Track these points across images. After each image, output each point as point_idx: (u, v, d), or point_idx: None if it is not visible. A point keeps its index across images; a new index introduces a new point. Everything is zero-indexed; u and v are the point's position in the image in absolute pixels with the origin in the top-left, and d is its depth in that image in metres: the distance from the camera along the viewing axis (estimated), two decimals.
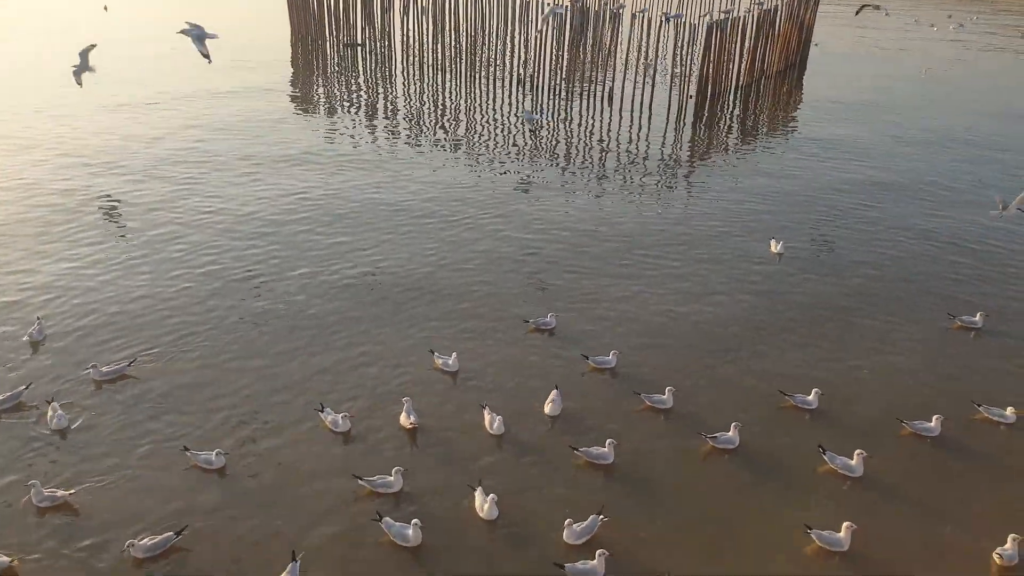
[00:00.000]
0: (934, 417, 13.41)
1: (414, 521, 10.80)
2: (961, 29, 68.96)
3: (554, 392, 13.79)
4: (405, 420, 13.20)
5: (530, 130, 32.08)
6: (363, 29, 48.21)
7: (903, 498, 12.05)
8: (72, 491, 11.40)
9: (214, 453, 12.09)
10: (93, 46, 22.93)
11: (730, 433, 12.95)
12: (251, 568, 10.37)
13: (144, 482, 11.79)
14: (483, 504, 11.27)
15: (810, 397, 14.04)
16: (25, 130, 28.80)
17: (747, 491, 12.11)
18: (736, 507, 11.75)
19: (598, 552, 10.35)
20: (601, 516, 11.11)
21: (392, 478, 11.64)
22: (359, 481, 11.60)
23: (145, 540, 10.44)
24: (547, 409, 13.63)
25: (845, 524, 10.66)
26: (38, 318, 15.52)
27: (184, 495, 11.58)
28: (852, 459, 12.45)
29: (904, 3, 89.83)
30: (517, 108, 35.76)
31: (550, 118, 33.86)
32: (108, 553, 10.54)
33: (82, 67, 23.02)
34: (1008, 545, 10.91)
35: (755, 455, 12.85)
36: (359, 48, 47.46)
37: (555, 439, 13.08)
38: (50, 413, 12.76)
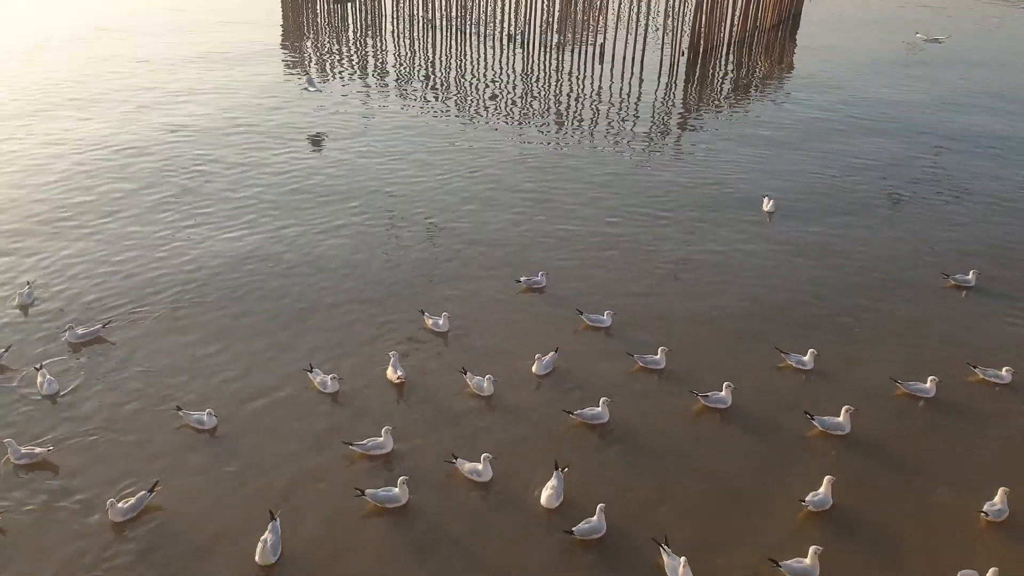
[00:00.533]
0: (928, 378, 13.50)
1: (401, 478, 10.95)
2: None
3: (551, 354, 13.86)
4: (392, 374, 13.42)
5: (522, 88, 31.87)
6: None
7: (895, 458, 12.30)
8: (50, 448, 11.51)
9: (205, 413, 12.21)
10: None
11: (722, 393, 13.09)
12: (234, 527, 10.49)
13: (128, 442, 11.91)
14: (476, 467, 11.30)
15: (806, 358, 14.16)
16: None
17: (741, 451, 12.29)
18: (729, 467, 11.94)
19: (599, 506, 10.59)
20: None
21: (382, 438, 11.72)
22: (350, 447, 11.64)
23: (120, 503, 10.43)
24: (535, 369, 13.79)
25: (812, 548, 10.04)
26: (28, 283, 15.56)
27: (170, 455, 11.73)
28: (840, 416, 12.59)
29: None
30: (508, 64, 35.45)
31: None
32: (92, 511, 10.63)
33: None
34: (996, 499, 11.09)
35: (749, 415, 13.00)
36: (349, 4, 46.69)
37: (545, 398, 13.28)
38: (40, 379, 12.77)
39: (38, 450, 11.46)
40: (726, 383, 13.18)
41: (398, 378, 13.35)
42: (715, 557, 10.41)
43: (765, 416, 13.04)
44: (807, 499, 11.09)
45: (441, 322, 14.90)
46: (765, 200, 20.75)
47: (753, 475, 11.82)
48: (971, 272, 17.27)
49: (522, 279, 16.52)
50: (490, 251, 18.08)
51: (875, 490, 11.62)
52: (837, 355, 14.56)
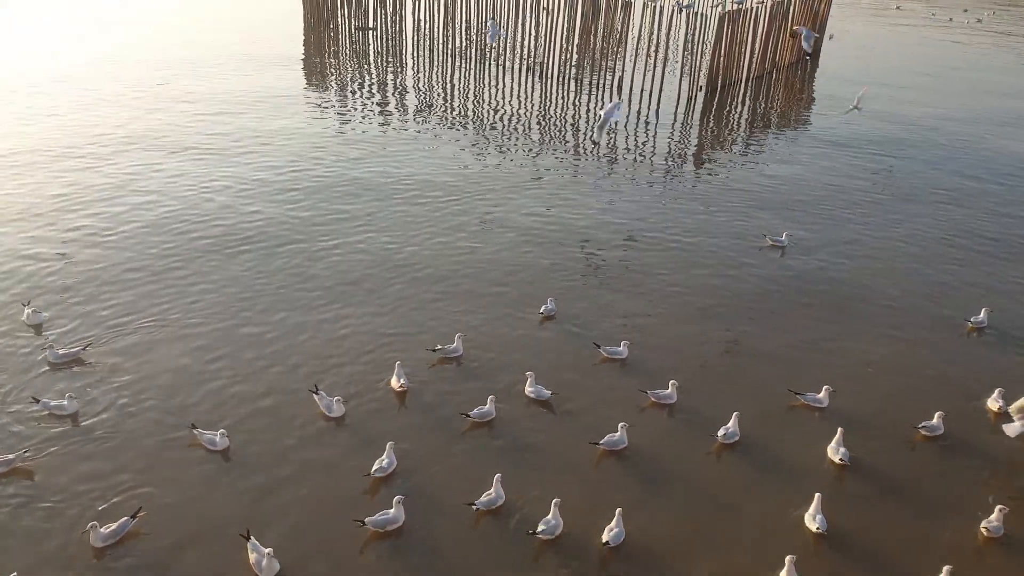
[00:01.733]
0: (936, 415, 13.39)
1: (397, 498, 10.82)
2: (978, 24, 68.27)
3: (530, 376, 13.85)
4: (395, 383, 13.52)
5: (538, 115, 32.13)
6: (375, 13, 48.20)
7: (903, 490, 12.15)
8: (27, 452, 11.54)
9: (219, 433, 12.07)
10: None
11: (730, 425, 12.94)
12: (215, 551, 10.39)
13: (111, 455, 11.86)
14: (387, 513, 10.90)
15: (820, 395, 13.99)
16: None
17: (753, 487, 12.13)
18: (741, 499, 11.86)
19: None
20: None
21: (393, 511, 10.86)
22: (362, 524, 10.73)
23: (102, 528, 10.30)
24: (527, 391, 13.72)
25: (788, 557, 10.19)
26: (24, 304, 15.42)
27: (156, 472, 11.63)
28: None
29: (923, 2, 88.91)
30: (527, 96, 35.78)
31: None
32: (69, 529, 10.57)
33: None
34: (994, 516, 11.21)
35: (759, 448, 12.88)
36: (371, 32, 47.45)
37: (553, 425, 13.25)
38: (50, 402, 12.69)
39: (10, 456, 11.42)
40: (735, 413, 13.03)
41: (401, 386, 13.45)
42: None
43: (777, 449, 12.88)
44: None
45: (455, 344, 14.84)
46: (783, 235, 20.69)
47: (761, 507, 11.65)
48: (983, 311, 17.08)
49: (542, 310, 16.38)
50: (503, 278, 18.09)
51: (879, 518, 11.50)
52: (848, 390, 14.37)
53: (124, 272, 17.28)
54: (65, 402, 12.49)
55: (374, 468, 11.63)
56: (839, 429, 12.79)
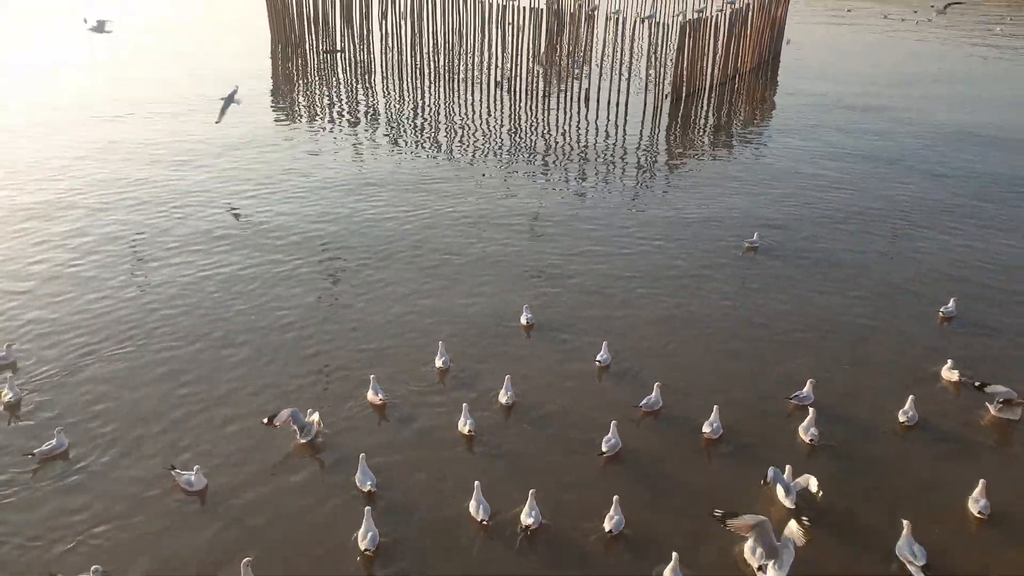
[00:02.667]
0: (909, 400, 13.87)
1: (367, 508, 10.98)
2: (929, 23, 70.22)
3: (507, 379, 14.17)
4: (373, 397, 13.79)
5: (505, 130, 32.72)
6: (342, 35, 48.62)
7: (889, 476, 12.65)
8: None
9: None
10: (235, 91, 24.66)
11: (712, 419, 13.41)
12: None
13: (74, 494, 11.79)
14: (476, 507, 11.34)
15: (806, 390, 14.34)
16: None
17: (736, 471, 12.68)
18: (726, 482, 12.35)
19: (612, 423, 12.41)
20: None
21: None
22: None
23: None
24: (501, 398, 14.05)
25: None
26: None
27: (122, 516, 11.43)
28: (804, 389, 14.24)
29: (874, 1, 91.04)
30: (496, 109, 36.36)
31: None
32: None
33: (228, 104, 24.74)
34: (976, 491, 11.85)
35: (741, 438, 13.43)
36: (339, 54, 47.84)
37: (524, 432, 13.63)
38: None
39: None
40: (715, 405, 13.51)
41: (380, 400, 13.74)
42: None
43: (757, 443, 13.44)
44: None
45: (440, 362, 15.13)
46: (755, 235, 21.42)
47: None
48: (951, 300, 17.81)
49: (524, 318, 16.77)
50: (476, 291, 18.51)
51: (866, 504, 11.96)
52: (827, 387, 14.80)
53: (87, 303, 17.32)
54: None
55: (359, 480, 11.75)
56: (811, 410, 13.47)
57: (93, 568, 9.86)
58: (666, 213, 23.88)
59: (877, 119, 36.29)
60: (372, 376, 14.08)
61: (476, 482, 11.50)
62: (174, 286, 18.19)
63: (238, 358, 15.41)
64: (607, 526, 11.17)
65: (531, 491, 11.38)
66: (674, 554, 10.46)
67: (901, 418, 13.88)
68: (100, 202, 23.17)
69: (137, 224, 21.68)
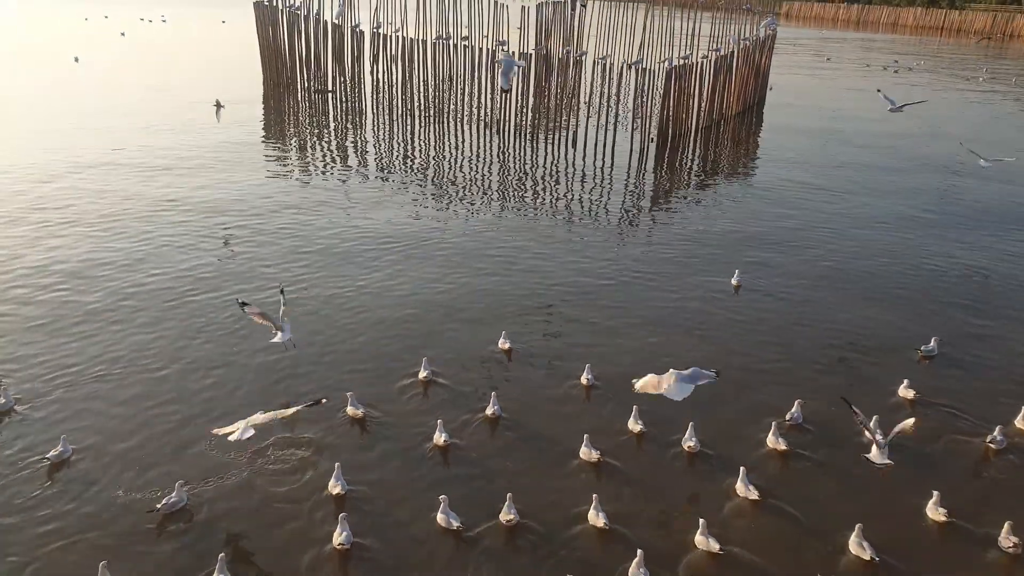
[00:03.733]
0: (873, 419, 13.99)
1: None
2: (910, 72, 72.00)
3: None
4: (354, 411, 14.20)
5: (494, 172, 33.10)
6: (334, 76, 49.25)
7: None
8: None
9: (176, 487, 11.68)
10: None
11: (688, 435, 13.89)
12: None
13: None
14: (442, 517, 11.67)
15: (794, 410, 14.86)
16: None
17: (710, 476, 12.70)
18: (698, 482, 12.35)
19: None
20: None
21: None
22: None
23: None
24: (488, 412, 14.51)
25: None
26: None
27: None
28: (793, 408, 14.78)
29: (858, 49, 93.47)
30: (485, 150, 36.80)
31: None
32: None
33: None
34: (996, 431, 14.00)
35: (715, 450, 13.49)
36: (330, 94, 48.43)
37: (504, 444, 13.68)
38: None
39: None
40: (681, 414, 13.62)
41: (360, 414, 14.17)
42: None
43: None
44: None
45: (423, 374, 15.64)
46: (736, 274, 21.65)
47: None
48: (932, 340, 17.91)
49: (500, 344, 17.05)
50: (458, 327, 18.57)
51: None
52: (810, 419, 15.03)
53: (67, 325, 17.44)
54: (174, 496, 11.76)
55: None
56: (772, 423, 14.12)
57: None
58: (651, 249, 24.21)
59: (860, 161, 36.98)
60: (349, 393, 14.45)
61: (442, 496, 11.78)
62: (150, 311, 18.18)
63: (211, 381, 15.55)
64: (600, 522, 11.68)
65: (508, 494, 11.82)
66: (639, 551, 10.80)
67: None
68: (81, 229, 23.20)
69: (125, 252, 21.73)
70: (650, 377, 12.97)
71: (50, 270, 20.59)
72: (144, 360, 16.21)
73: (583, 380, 15.79)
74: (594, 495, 11.94)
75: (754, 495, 12.48)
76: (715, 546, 11.27)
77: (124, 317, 18.19)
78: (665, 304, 20.18)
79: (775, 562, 11.41)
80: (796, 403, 14.95)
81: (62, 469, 12.72)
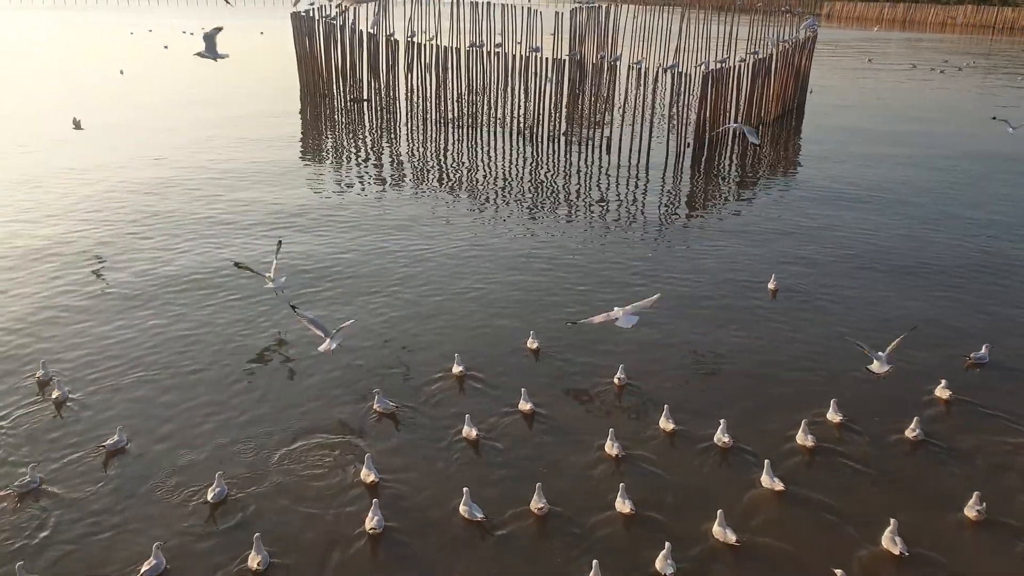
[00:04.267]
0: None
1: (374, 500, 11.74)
2: (959, 72, 70.07)
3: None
4: (381, 408, 14.44)
5: (530, 177, 32.84)
6: (369, 85, 49.56)
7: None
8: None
9: (216, 478, 12.22)
10: (219, 28, 25.12)
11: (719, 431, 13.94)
12: None
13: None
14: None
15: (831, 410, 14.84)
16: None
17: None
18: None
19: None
20: None
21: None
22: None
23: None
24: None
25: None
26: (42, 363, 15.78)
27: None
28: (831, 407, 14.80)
29: (903, 49, 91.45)
30: (517, 157, 36.60)
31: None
32: None
33: (210, 49, 25.16)
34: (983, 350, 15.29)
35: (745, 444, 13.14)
36: (365, 103, 48.72)
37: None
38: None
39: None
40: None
41: (391, 408, 14.44)
42: None
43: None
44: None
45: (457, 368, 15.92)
46: (772, 277, 21.19)
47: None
48: (984, 347, 17.21)
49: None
50: (491, 335, 18.32)
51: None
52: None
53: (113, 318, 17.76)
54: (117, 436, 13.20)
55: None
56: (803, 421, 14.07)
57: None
58: (687, 252, 23.87)
59: (903, 165, 35.95)
60: (377, 391, 14.71)
61: (465, 488, 12.04)
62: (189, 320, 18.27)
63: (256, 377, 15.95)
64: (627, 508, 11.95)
65: (538, 484, 12.04)
66: (667, 544, 10.90)
67: (908, 434, 14.23)
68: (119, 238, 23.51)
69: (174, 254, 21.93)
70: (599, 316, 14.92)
71: (103, 264, 21.03)
72: (192, 355, 16.77)
73: (616, 380, 15.83)
74: (621, 484, 12.21)
75: (779, 487, 12.53)
76: (732, 537, 11.40)
77: (173, 314, 18.72)
78: (701, 305, 20.04)
79: (800, 554, 11.39)
80: (832, 402, 14.90)
81: (118, 456, 13.31)
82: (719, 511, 11.66)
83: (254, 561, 10.54)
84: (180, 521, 11.86)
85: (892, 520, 11.50)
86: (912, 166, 36.27)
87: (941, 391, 15.63)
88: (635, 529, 11.83)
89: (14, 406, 14.73)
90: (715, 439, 13.84)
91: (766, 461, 12.92)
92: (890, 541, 11.36)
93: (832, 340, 18.10)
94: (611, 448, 13.42)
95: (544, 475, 12.70)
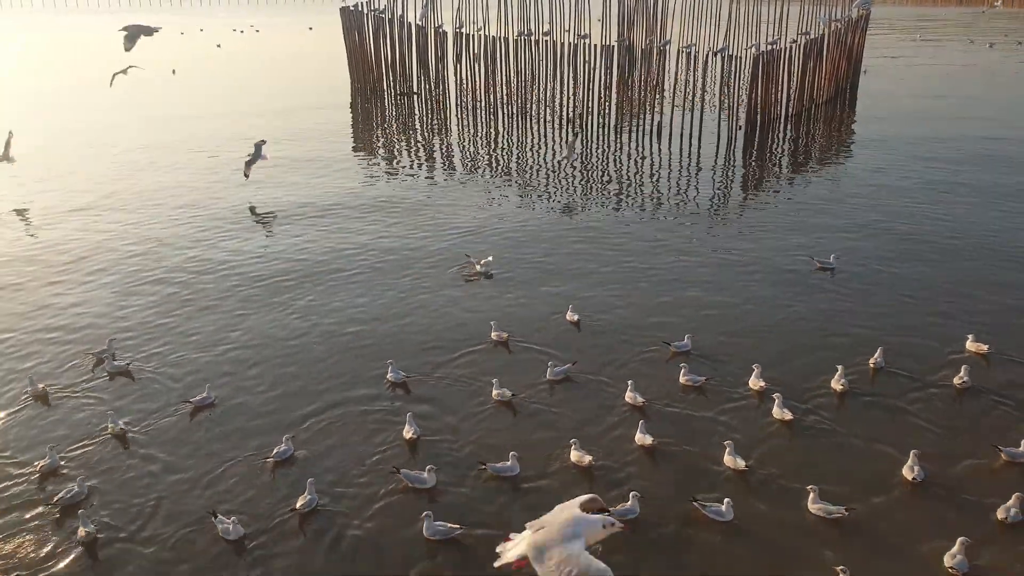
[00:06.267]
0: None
1: (429, 467, 12.51)
2: (1020, 46, 67.92)
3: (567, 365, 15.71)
4: (408, 433, 13.83)
5: (577, 165, 33.02)
6: (418, 78, 50.06)
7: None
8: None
9: (283, 440, 13.24)
10: (263, 142, 28.12)
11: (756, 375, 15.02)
12: None
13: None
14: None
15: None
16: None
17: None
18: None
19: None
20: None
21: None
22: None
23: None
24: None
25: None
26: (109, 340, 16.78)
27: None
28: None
29: (958, 28, 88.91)
30: (562, 147, 36.81)
31: None
32: None
33: (255, 158, 28.04)
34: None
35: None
36: (415, 96, 49.28)
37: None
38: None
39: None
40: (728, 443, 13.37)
41: (412, 435, 13.73)
42: None
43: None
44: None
45: (507, 392, 15.44)
46: (831, 256, 21.18)
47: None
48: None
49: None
50: (540, 326, 18.62)
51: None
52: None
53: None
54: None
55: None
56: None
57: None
58: (741, 232, 24.09)
59: (962, 147, 35.15)
60: (409, 414, 14.06)
61: (426, 513, 11.59)
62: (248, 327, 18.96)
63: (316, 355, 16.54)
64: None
65: (573, 440, 13.13)
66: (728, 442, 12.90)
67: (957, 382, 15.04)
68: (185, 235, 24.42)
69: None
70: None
71: (188, 257, 21.90)
72: (274, 338, 17.41)
73: (675, 345, 16.68)
74: (640, 421, 13.52)
75: (788, 416, 13.80)
76: (741, 463, 12.57)
77: (246, 299, 19.59)
78: (751, 280, 20.49)
79: (808, 479, 12.26)
80: (879, 349, 15.87)
81: (204, 412, 14.66)
82: (728, 443, 12.90)
83: (301, 501, 11.87)
84: (250, 474, 12.92)
85: (912, 452, 12.47)
86: (974, 146, 35.44)
87: (972, 344, 16.30)
88: (656, 459, 13.16)
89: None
90: (750, 383, 14.93)
91: (777, 395, 14.09)
92: (909, 469, 12.27)
93: (889, 313, 18.32)
94: (634, 399, 14.54)
95: (577, 431, 13.70)
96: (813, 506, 11.63)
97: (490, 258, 20.91)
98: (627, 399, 14.55)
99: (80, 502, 12.07)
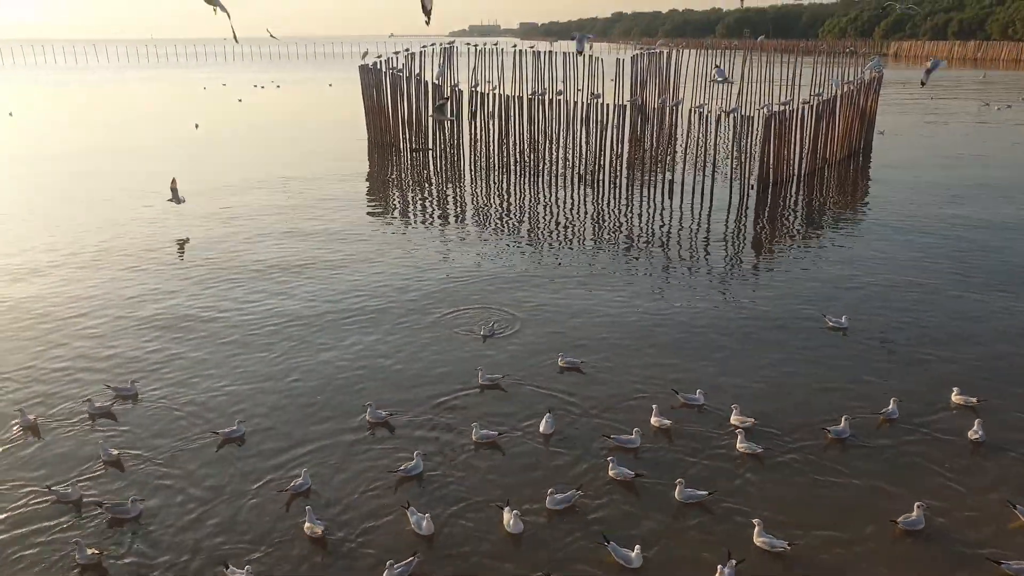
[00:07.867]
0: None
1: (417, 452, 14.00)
2: (1009, 109, 68.01)
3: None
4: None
5: (592, 220, 33.06)
6: (433, 134, 50.73)
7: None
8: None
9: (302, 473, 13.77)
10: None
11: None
12: None
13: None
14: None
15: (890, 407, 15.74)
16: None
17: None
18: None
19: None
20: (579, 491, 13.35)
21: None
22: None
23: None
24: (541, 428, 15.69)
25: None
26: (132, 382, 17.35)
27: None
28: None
29: (973, 90, 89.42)
30: (580, 202, 36.89)
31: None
32: None
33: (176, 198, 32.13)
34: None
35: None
36: (429, 152, 49.87)
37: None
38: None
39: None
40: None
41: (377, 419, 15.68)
42: None
43: None
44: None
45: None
46: (843, 317, 21.03)
47: None
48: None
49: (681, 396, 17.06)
50: (547, 386, 18.38)
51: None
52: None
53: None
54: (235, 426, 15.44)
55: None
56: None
57: None
58: (753, 292, 23.82)
59: (976, 212, 34.90)
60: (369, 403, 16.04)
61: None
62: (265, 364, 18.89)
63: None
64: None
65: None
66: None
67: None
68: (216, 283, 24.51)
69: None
70: None
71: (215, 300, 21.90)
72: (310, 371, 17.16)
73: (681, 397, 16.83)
74: (653, 406, 15.56)
75: (759, 450, 14.55)
76: (667, 423, 15.35)
77: (274, 333, 19.24)
78: (763, 336, 20.15)
79: None
80: (892, 400, 16.16)
81: (231, 445, 15.34)
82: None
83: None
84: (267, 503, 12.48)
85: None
86: (987, 210, 35.20)
87: (956, 397, 16.70)
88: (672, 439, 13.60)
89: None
90: (731, 420, 15.61)
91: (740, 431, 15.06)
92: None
93: (902, 377, 17.83)
94: (660, 422, 15.57)
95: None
96: (758, 539, 11.87)
97: (494, 322, 21.33)
98: (653, 423, 15.54)
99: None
